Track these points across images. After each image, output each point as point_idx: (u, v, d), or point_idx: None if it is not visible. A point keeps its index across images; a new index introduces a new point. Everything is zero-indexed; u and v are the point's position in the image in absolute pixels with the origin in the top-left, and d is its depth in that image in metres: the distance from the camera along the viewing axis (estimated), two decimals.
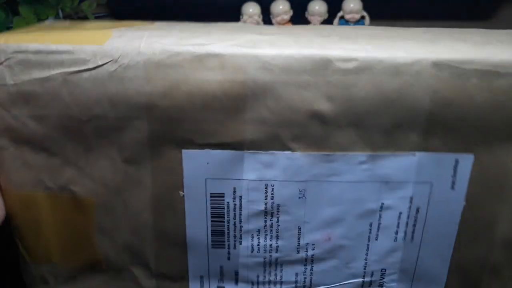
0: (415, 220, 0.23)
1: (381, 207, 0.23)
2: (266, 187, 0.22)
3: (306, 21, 0.47)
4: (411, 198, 0.23)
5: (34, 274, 0.25)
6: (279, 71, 0.20)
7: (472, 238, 0.23)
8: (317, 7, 0.51)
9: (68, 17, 0.52)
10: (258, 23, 0.43)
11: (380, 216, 0.23)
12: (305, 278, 0.25)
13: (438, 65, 0.20)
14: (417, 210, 0.23)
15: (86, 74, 0.20)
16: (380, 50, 0.20)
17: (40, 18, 0.41)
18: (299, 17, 0.49)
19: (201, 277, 0.25)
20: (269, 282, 0.25)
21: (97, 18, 0.39)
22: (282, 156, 0.22)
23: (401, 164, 0.22)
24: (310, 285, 0.25)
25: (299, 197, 0.23)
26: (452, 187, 0.22)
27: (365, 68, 0.20)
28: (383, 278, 0.25)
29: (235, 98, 0.20)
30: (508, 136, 0.21)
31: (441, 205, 0.23)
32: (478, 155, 0.21)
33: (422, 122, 0.21)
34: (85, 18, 0.38)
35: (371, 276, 0.25)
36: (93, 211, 0.23)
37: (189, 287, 0.25)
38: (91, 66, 0.20)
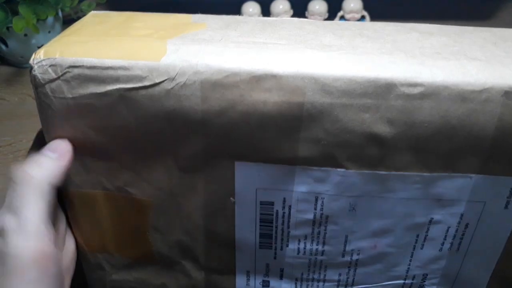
0: (463, 234, 0.23)
1: (430, 221, 0.23)
2: (316, 199, 0.23)
3: None
4: (462, 215, 0.23)
5: (91, 261, 0.27)
6: (339, 93, 0.20)
7: None
8: (317, 7, 0.50)
9: (68, 17, 0.51)
10: None
11: (428, 229, 0.23)
12: (347, 278, 0.26)
13: (508, 93, 0.19)
14: (466, 226, 0.23)
15: (143, 91, 0.20)
16: (447, 74, 0.19)
17: (39, 18, 0.40)
18: (299, 16, 0.48)
19: (248, 272, 0.26)
20: (313, 279, 0.26)
21: None
22: (334, 173, 0.22)
23: (456, 184, 0.22)
24: (352, 284, 0.26)
25: (349, 210, 0.23)
26: (506, 207, 0.22)
27: (430, 94, 0.19)
28: (424, 282, 0.25)
29: (290, 119, 0.20)
30: None
31: (491, 222, 0.23)
32: None
33: (485, 148, 0.20)
34: None
35: (413, 279, 0.25)
36: (148, 210, 0.24)
37: (236, 280, 0.26)
38: (147, 83, 0.20)
